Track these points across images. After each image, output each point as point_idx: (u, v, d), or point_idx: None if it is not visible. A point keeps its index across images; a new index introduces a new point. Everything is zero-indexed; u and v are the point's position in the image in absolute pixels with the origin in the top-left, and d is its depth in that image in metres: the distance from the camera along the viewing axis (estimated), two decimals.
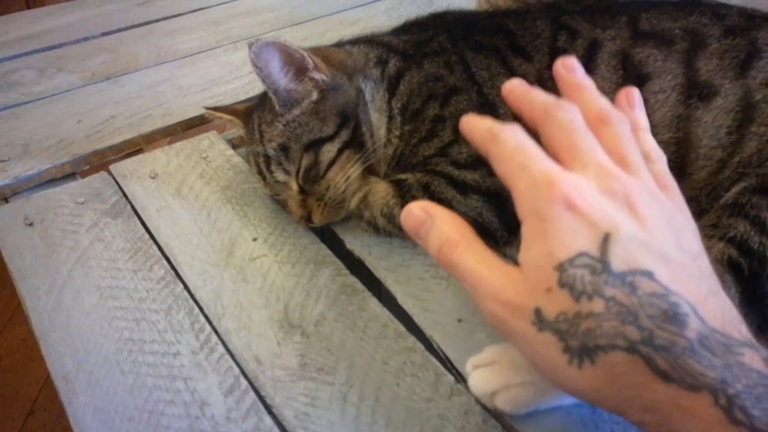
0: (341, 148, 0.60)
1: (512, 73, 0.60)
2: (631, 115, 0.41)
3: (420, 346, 0.51)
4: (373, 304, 0.55)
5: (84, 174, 0.73)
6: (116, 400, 0.48)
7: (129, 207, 0.66)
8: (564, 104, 0.39)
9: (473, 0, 0.88)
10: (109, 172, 0.71)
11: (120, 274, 0.59)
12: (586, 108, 0.39)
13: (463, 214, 0.57)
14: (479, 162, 0.57)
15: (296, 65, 0.58)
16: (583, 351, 0.33)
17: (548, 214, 0.35)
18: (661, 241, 0.34)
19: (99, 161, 0.75)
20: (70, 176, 0.73)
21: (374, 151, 0.61)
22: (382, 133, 0.62)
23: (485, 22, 0.67)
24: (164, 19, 1.06)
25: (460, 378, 0.49)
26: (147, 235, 0.63)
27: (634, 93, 0.42)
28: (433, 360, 0.50)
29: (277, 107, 0.60)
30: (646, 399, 0.32)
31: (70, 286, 0.58)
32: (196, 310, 0.55)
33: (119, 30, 1.03)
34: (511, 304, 0.35)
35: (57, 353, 0.52)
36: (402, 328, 0.53)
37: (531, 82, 0.59)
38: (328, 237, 0.63)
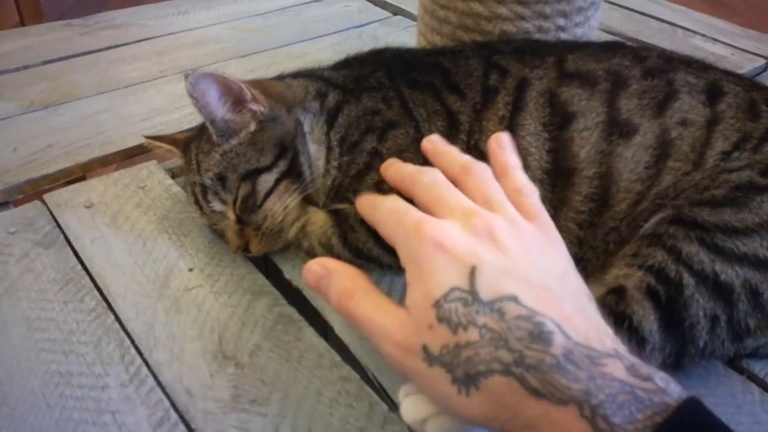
0: (279, 178, 0.60)
1: (447, 110, 0.62)
2: (501, 157, 0.46)
3: (355, 375, 0.52)
4: (310, 333, 0.55)
5: (18, 203, 0.72)
6: None
7: (62, 237, 0.65)
8: (425, 169, 0.45)
9: (415, 37, 0.90)
10: (43, 202, 0.70)
11: (50, 305, 0.57)
12: (452, 165, 0.45)
13: None
14: None
15: (234, 96, 0.59)
16: (468, 379, 0.35)
17: (420, 257, 0.39)
18: (523, 267, 0.38)
19: (33, 190, 0.74)
20: (3, 205, 0.71)
21: (312, 181, 0.62)
22: (320, 163, 0.63)
23: (422, 60, 0.70)
24: (108, 48, 1.05)
25: (394, 407, 0.49)
26: (80, 266, 0.62)
27: (503, 137, 0.47)
28: (368, 389, 0.51)
29: (214, 137, 0.60)
30: (524, 417, 0.34)
31: None
32: (127, 341, 0.54)
33: (61, 59, 1.02)
34: (402, 344, 0.38)
35: None
36: (338, 358, 0.53)
37: (465, 120, 0.62)
38: (271, 267, 0.63)
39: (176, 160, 0.75)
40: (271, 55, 1.05)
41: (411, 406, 0.47)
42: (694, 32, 1.14)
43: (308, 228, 0.62)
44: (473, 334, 0.35)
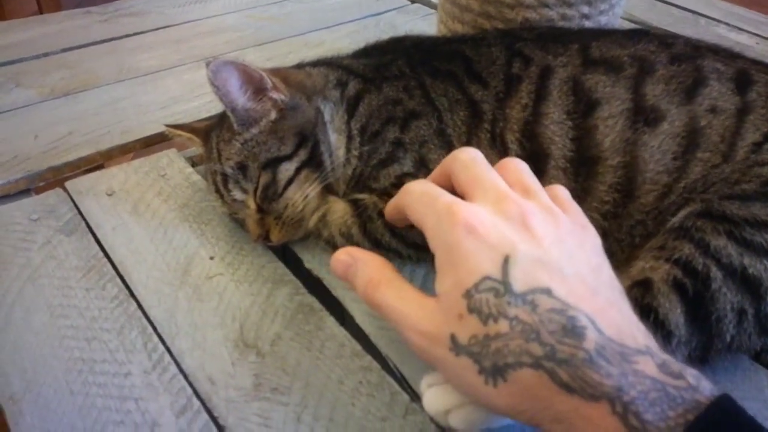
0: (299, 167, 0.60)
1: (469, 99, 0.62)
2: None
3: (376, 365, 0.52)
4: (330, 323, 0.55)
5: (39, 190, 0.72)
6: (64, 421, 0.47)
7: (84, 224, 0.65)
8: (466, 147, 0.44)
9: (434, 25, 0.89)
10: (65, 189, 0.70)
11: (72, 292, 0.58)
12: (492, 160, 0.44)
13: (419, 240, 0.57)
14: None
15: (255, 85, 0.59)
16: (496, 370, 0.35)
17: (452, 242, 0.38)
18: (557, 258, 0.37)
19: (54, 178, 0.74)
20: (25, 192, 0.72)
21: (333, 170, 0.62)
22: (341, 152, 0.63)
23: (443, 48, 0.69)
24: (126, 36, 1.06)
25: (415, 397, 0.49)
26: (101, 253, 0.62)
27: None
28: (389, 379, 0.50)
29: (235, 126, 0.60)
30: (554, 410, 0.34)
31: (20, 304, 0.56)
32: (150, 329, 0.54)
33: (80, 46, 1.02)
34: (429, 333, 0.38)
35: (4, 373, 0.50)
36: (359, 347, 0.53)
37: (488, 109, 0.61)
38: (290, 256, 0.63)
39: (196, 149, 0.75)
40: (289, 43, 1.04)
41: (434, 397, 0.46)
42: (718, 21, 1.12)
43: (328, 217, 0.62)
44: (503, 326, 0.35)
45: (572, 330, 0.34)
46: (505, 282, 0.36)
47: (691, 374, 0.33)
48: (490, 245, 0.37)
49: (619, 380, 0.32)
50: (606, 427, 0.32)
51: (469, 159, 0.42)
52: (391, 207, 0.46)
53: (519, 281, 0.36)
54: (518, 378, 0.34)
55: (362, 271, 0.42)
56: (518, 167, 0.43)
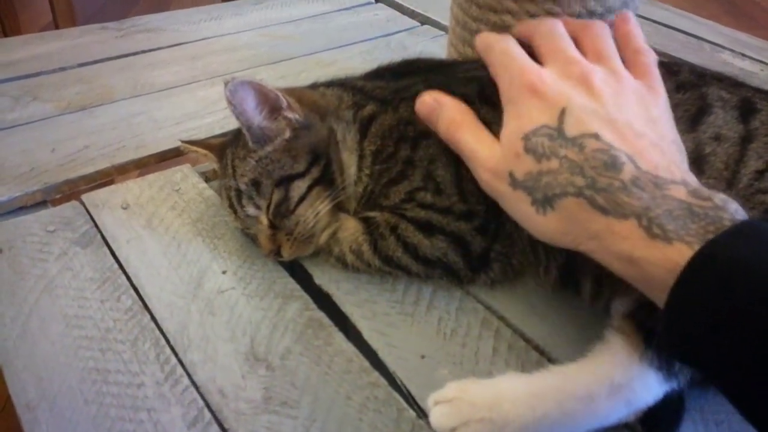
0: (311, 184, 0.61)
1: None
2: (624, 27, 0.54)
3: (384, 381, 0.53)
4: (339, 339, 0.56)
5: (55, 203, 0.73)
6: (78, 429, 0.48)
7: (99, 237, 0.67)
8: (546, 19, 0.53)
9: (443, 47, 0.91)
10: (81, 202, 0.72)
11: (87, 303, 0.59)
12: (575, 23, 0.53)
13: (430, 255, 0.59)
14: (446, 207, 0.60)
15: (270, 104, 0.60)
16: (545, 200, 0.43)
17: (518, 99, 0.47)
18: (610, 109, 0.44)
19: (71, 190, 0.75)
20: (41, 204, 0.73)
21: (344, 188, 0.63)
22: (352, 171, 0.64)
23: (461, 74, 0.70)
24: (142, 52, 1.08)
25: (422, 413, 0.50)
26: (116, 266, 0.63)
27: (627, 14, 0.56)
28: (396, 395, 0.51)
29: (250, 143, 0.61)
30: (591, 230, 0.40)
31: (37, 314, 0.58)
32: (162, 341, 0.55)
33: (96, 61, 1.04)
34: (493, 169, 0.47)
35: (20, 381, 0.52)
36: (366, 364, 0.54)
37: (496, 128, 0.63)
38: (298, 271, 0.64)
39: (209, 165, 0.76)
40: (302, 62, 1.06)
41: (441, 414, 0.48)
42: (722, 47, 1.14)
43: (339, 234, 0.63)
44: (554, 163, 0.42)
45: (612, 165, 0.40)
46: (559, 128, 0.43)
47: (720, 198, 0.38)
48: (550, 101, 0.44)
49: (647, 202, 0.38)
50: (633, 238, 0.38)
51: (547, 30, 0.50)
52: (478, 49, 0.56)
53: (571, 127, 0.43)
54: (563, 205, 0.41)
55: (446, 113, 0.51)
56: (596, 33, 0.49)
